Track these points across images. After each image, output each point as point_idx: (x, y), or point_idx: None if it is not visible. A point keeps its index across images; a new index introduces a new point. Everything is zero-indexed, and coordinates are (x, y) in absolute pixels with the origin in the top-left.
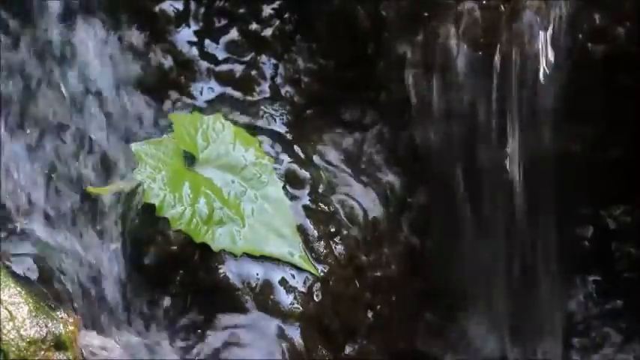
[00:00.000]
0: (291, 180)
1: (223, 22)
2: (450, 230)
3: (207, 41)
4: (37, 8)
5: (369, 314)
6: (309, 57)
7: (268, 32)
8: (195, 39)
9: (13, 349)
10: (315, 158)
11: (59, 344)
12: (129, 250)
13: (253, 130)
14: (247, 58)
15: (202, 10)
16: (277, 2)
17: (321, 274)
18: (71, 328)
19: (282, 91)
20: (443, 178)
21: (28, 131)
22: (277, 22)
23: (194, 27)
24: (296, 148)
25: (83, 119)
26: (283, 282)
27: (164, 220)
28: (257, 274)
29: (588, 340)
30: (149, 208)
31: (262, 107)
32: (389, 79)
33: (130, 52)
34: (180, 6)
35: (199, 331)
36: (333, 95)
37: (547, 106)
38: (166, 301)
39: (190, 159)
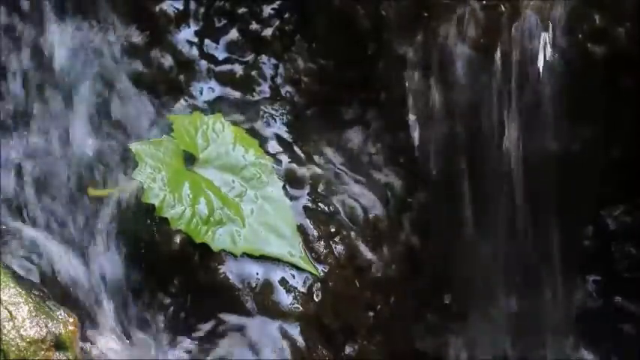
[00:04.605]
0: (291, 180)
1: (223, 22)
2: (450, 230)
3: (207, 41)
4: (37, 7)
5: (369, 314)
6: (309, 57)
7: (268, 32)
8: (195, 39)
9: (13, 349)
10: (315, 158)
11: (59, 344)
12: (129, 250)
13: (253, 130)
14: (247, 58)
15: (202, 10)
16: (277, 2)
17: (321, 274)
18: (71, 328)
19: (282, 91)
20: (443, 178)
21: (28, 131)
22: (277, 22)
23: (194, 27)
24: (296, 148)
25: (83, 119)
26: (283, 282)
27: (164, 220)
28: (257, 274)
29: (588, 340)
30: (149, 208)
31: (262, 107)
32: (389, 79)
33: (130, 51)
34: (180, 6)
35: (199, 331)
36: (333, 95)
37: (547, 106)
38: (166, 301)
39: (190, 159)
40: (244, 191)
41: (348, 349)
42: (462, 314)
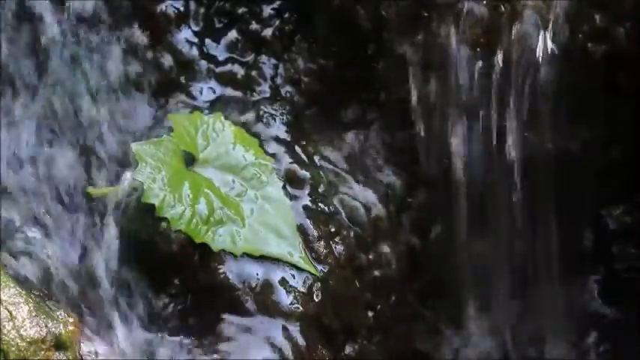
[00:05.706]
0: (291, 180)
1: (223, 22)
2: (450, 230)
3: (207, 41)
4: (40, 7)
5: (369, 314)
6: (309, 57)
7: (268, 32)
8: (195, 39)
9: (13, 349)
10: (315, 158)
11: (59, 344)
12: (129, 250)
13: (253, 130)
14: (247, 58)
15: (202, 10)
16: (277, 2)
17: (321, 274)
18: (71, 328)
19: (282, 91)
20: (443, 178)
21: (29, 130)
22: (277, 22)
23: (194, 27)
24: (296, 148)
25: (84, 119)
26: (283, 282)
27: (164, 220)
28: (257, 274)
29: (588, 340)
30: (149, 208)
31: (262, 107)
32: (389, 79)
33: (130, 52)
34: (180, 6)
35: (199, 331)
36: (333, 95)
37: (547, 105)
38: (166, 301)
39: (190, 159)
40: (244, 191)
41: (348, 349)
42: (462, 314)
